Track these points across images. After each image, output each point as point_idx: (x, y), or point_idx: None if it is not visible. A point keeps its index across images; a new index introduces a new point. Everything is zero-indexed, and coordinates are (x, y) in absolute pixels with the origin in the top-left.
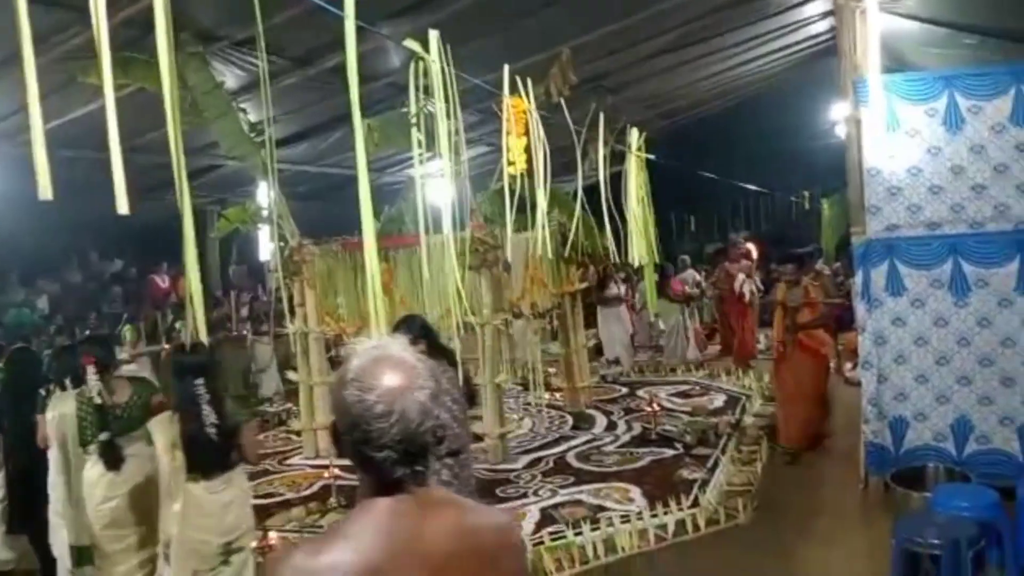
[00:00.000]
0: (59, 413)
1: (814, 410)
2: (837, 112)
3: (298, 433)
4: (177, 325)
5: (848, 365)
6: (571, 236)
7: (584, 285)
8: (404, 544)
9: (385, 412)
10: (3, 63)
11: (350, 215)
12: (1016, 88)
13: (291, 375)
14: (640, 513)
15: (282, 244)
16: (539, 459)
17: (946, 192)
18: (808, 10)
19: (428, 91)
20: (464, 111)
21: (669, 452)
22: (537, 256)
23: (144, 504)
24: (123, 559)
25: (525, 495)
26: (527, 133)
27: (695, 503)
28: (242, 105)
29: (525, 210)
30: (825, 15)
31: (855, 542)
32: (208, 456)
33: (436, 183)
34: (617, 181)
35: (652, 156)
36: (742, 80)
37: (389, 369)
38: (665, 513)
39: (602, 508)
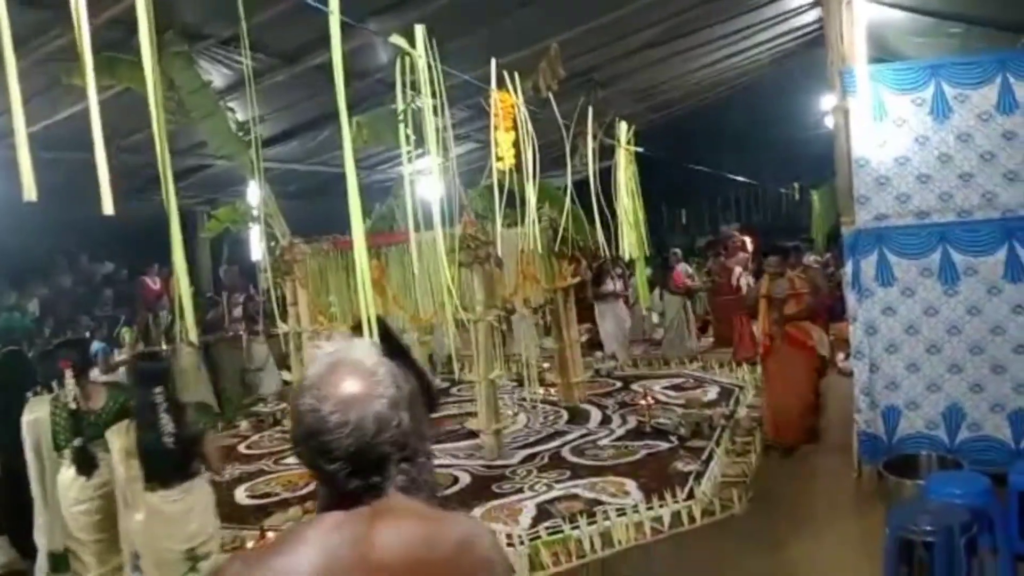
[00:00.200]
0: (34, 417)
1: (805, 404)
2: (825, 103)
3: None
4: (176, 325)
5: (840, 355)
6: (562, 231)
7: (576, 280)
8: (349, 560)
9: (339, 423)
10: None
11: (341, 213)
12: (1002, 76)
13: (285, 375)
14: (636, 506)
15: (273, 243)
16: (534, 454)
17: (934, 181)
18: (795, 0)
19: (416, 87)
20: (453, 107)
21: (664, 445)
22: (529, 251)
23: (117, 509)
24: (96, 564)
25: (521, 490)
26: (515, 128)
27: (690, 495)
28: (230, 104)
29: (516, 205)
30: (812, 5)
31: (849, 530)
32: (165, 465)
33: (426, 180)
34: (607, 175)
35: (641, 149)
36: (731, 72)
37: (347, 376)
38: (661, 505)
39: (598, 502)
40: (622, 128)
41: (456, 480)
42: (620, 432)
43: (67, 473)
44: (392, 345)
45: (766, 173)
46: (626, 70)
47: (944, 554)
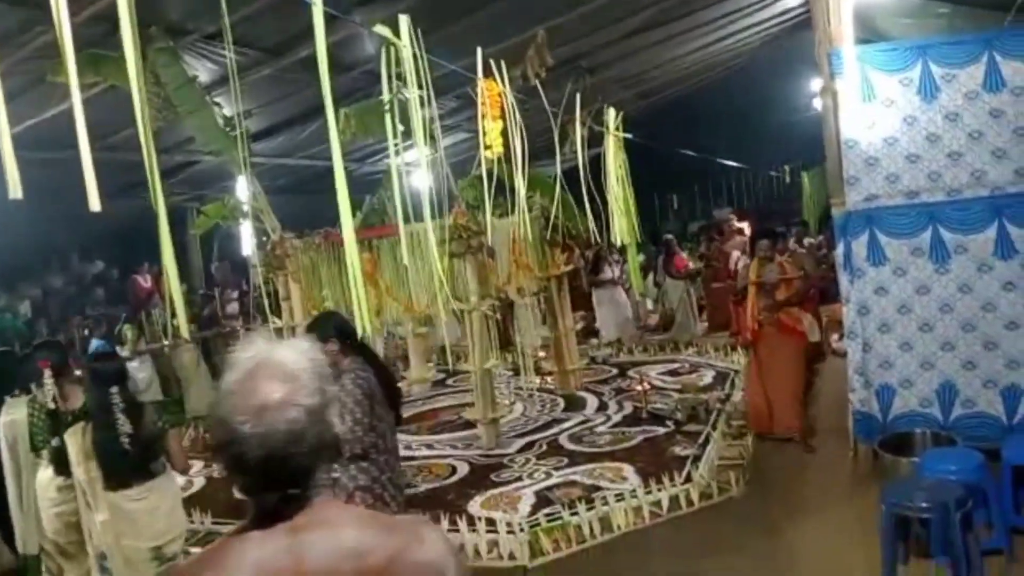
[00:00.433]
0: (11, 419)
1: (794, 393)
2: (814, 85)
3: None
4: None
5: (834, 336)
6: (553, 219)
7: (570, 268)
8: (276, 574)
9: (249, 434)
10: None
11: (331, 207)
12: (988, 55)
13: None
14: (634, 491)
15: (264, 239)
16: (532, 443)
17: (923, 160)
18: None
19: (402, 78)
20: (441, 97)
21: (661, 430)
22: (521, 240)
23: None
24: (73, 566)
25: (520, 479)
26: (503, 116)
27: (688, 479)
28: (216, 99)
29: (507, 195)
30: None
31: (846, 509)
32: (123, 466)
33: (416, 171)
34: (597, 163)
35: (629, 135)
36: (719, 57)
37: (262, 383)
38: (659, 490)
39: (596, 488)
40: (610, 115)
41: (454, 470)
42: (617, 418)
43: (45, 473)
44: (349, 342)
45: (757, 157)
46: (614, 57)
47: (940, 530)
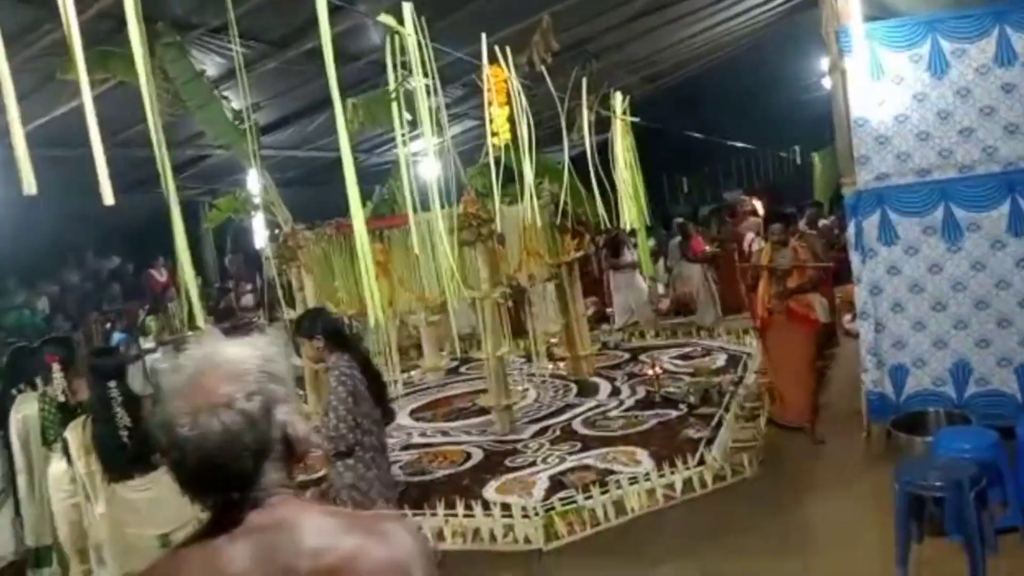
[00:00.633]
0: (22, 415)
1: (802, 382)
2: (823, 64)
3: (307, 417)
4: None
5: (847, 317)
6: (562, 205)
7: (580, 254)
8: None
9: (186, 436)
10: None
11: (341, 198)
12: (999, 28)
13: (295, 360)
14: (648, 474)
15: (276, 231)
16: (546, 428)
17: (934, 138)
18: None
19: (407, 67)
20: (448, 85)
21: (673, 413)
22: (531, 227)
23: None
24: (83, 557)
25: (534, 463)
26: (509, 102)
27: (701, 461)
28: (225, 93)
29: (516, 182)
30: None
31: (860, 489)
32: (122, 459)
33: (424, 160)
34: (606, 148)
35: (636, 119)
36: (726, 37)
37: (205, 384)
38: (672, 472)
39: (610, 471)
40: (617, 98)
41: (469, 456)
42: (629, 403)
43: (58, 466)
44: (335, 338)
45: (767, 138)
46: (620, 40)
47: (954, 508)
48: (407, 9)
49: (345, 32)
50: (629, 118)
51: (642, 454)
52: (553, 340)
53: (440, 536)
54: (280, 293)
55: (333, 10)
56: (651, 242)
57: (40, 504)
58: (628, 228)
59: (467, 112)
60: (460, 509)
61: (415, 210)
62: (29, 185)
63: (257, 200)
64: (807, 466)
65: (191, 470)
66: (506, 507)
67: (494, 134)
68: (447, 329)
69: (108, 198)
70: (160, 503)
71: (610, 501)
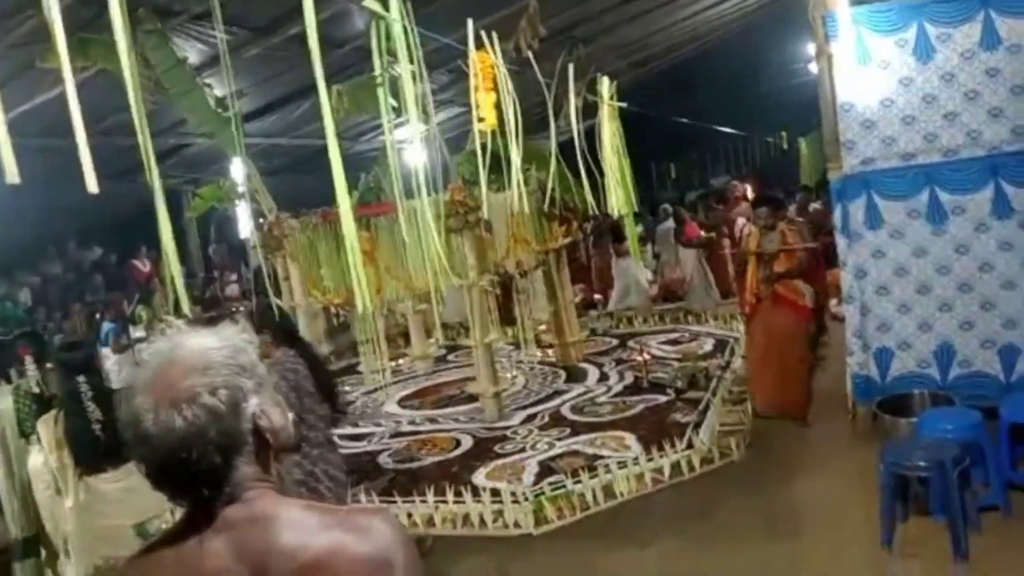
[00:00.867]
0: None
1: (792, 370)
2: (810, 49)
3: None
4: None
5: (833, 301)
6: (549, 192)
7: (568, 240)
8: None
9: (149, 432)
10: None
11: (327, 186)
12: (984, 12)
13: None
14: (636, 458)
15: (261, 220)
16: (535, 414)
17: (919, 122)
18: None
19: (393, 53)
20: (434, 71)
21: (661, 398)
22: (518, 214)
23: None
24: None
25: (523, 450)
26: (496, 88)
27: (689, 445)
28: (207, 80)
29: (503, 168)
30: None
31: (846, 470)
32: (95, 452)
33: (410, 147)
34: (593, 134)
35: (624, 104)
36: (713, 23)
37: (170, 377)
38: (660, 456)
39: (599, 456)
40: (604, 83)
41: (459, 443)
42: (618, 388)
43: (37, 458)
44: (282, 334)
45: (754, 123)
46: (607, 25)
47: (938, 488)
48: None
49: (330, 18)
50: (616, 103)
51: (631, 439)
52: (541, 327)
53: (430, 522)
54: (268, 282)
55: None
56: (639, 228)
57: (23, 497)
58: (616, 214)
59: (453, 98)
60: (450, 495)
61: (402, 198)
62: (12, 175)
63: (241, 189)
64: (794, 448)
65: (157, 466)
66: (496, 493)
67: (481, 120)
68: (433, 316)
69: (92, 187)
70: (135, 492)
71: (599, 486)
